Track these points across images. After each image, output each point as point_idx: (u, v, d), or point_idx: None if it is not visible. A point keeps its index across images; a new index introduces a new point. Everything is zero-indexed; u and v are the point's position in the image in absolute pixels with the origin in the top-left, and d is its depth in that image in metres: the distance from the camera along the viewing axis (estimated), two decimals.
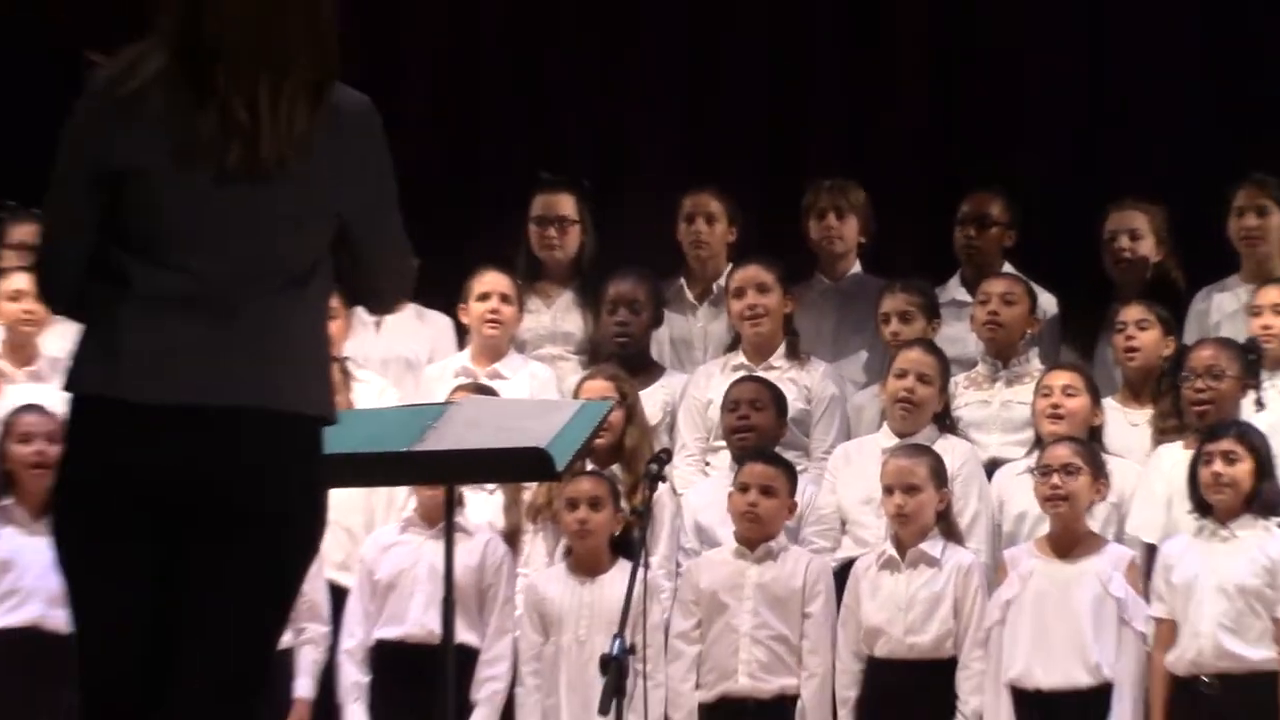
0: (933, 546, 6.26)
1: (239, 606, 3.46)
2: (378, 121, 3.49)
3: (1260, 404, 6.42)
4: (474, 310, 6.68)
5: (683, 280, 7.09)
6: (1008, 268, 7.05)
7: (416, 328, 7.11)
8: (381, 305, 3.68)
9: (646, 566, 5.64)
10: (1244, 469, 6.09)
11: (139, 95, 3.39)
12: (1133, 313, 6.59)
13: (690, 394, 6.72)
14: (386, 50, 8.91)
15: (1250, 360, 6.43)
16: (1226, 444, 6.10)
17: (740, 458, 6.47)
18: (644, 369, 6.86)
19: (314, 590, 6.24)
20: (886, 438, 6.50)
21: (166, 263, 3.40)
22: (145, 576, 3.50)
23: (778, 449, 6.65)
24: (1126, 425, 6.65)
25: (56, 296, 3.49)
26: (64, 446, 3.51)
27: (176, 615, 3.53)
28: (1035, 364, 6.77)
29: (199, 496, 3.45)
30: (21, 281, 6.96)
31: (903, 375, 6.53)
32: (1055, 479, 6.18)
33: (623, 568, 5.96)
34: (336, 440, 3.95)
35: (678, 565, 6.52)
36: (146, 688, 3.54)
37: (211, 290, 3.41)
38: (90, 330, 3.48)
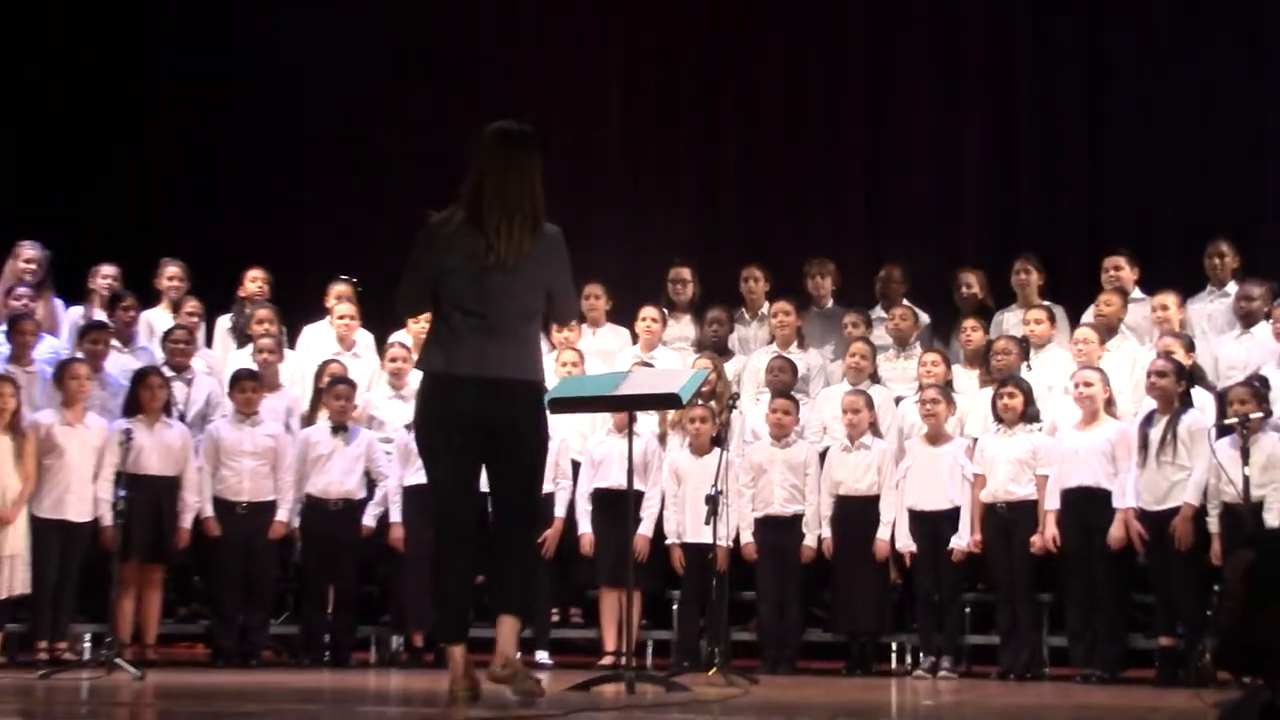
0: (869, 440, 8.91)
1: (521, 474, 5.60)
2: (563, 240, 5.55)
3: (1029, 367, 9.08)
4: (640, 327, 9.68)
5: (744, 309, 10.12)
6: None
7: (613, 335, 9.95)
8: (564, 325, 6.28)
9: (726, 450, 8.11)
10: (1019, 400, 8.63)
11: (451, 231, 5.44)
12: (971, 321, 9.36)
13: (750, 366, 9.66)
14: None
15: (1024, 346, 9.15)
16: (1009, 387, 8.66)
17: (775, 396, 9.13)
18: (725, 353, 9.74)
19: (563, 462, 8.94)
20: (846, 387, 9.17)
21: (468, 310, 5.50)
22: (466, 462, 5.59)
23: (792, 392, 9.20)
24: (966, 379, 9.36)
25: (406, 317, 6.24)
26: (420, 398, 5.62)
27: (491, 480, 5.58)
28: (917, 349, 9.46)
29: (494, 423, 5.49)
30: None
31: (853, 355, 9.19)
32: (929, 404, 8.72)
33: (716, 452, 8.39)
34: (575, 389, 6.80)
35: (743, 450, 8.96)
36: (469, 518, 5.62)
37: (490, 323, 5.49)
38: (432, 341, 5.56)
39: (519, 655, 5.81)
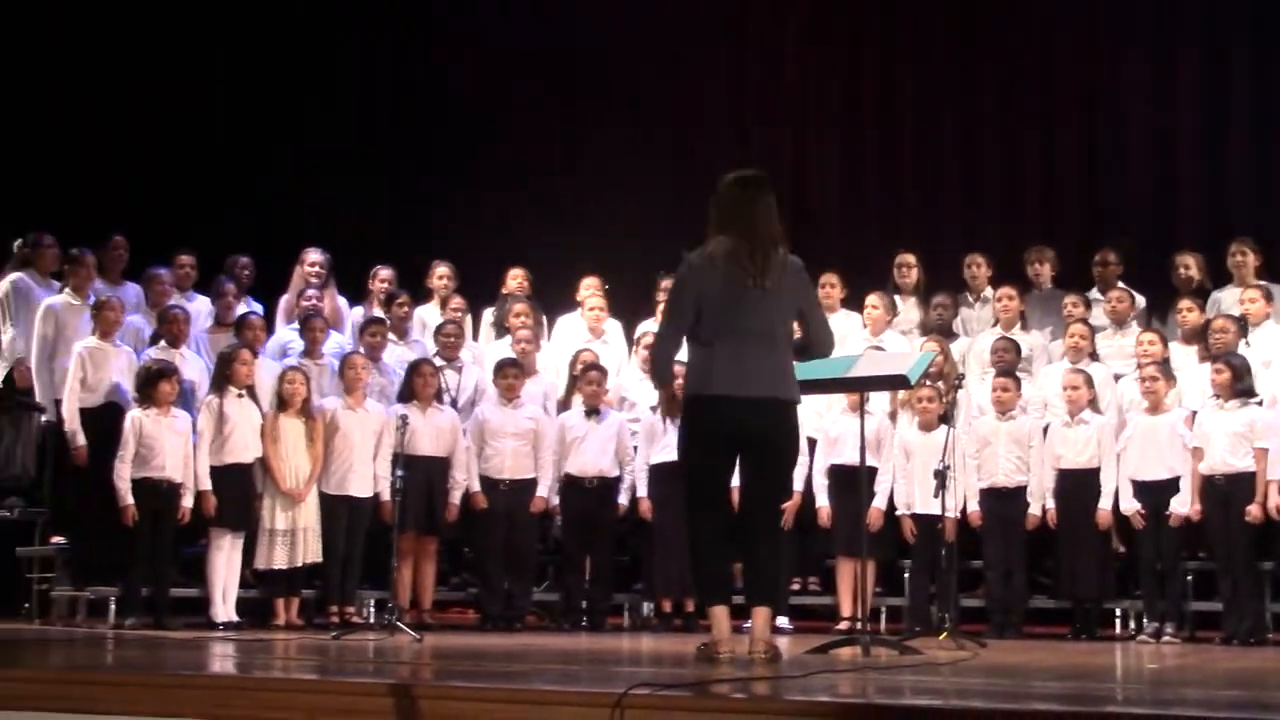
0: (1088, 415, 8.70)
1: (773, 483, 5.95)
2: (804, 269, 5.89)
3: (1247, 344, 8.76)
4: (868, 315, 9.69)
5: (968, 293, 9.98)
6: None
7: (846, 320, 9.80)
8: (822, 353, 6.07)
9: (953, 427, 8.09)
10: (1226, 376, 8.36)
11: (707, 264, 5.76)
12: (1187, 302, 9.15)
13: (975, 347, 9.56)
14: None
15: (1242, 324, 8.79)
16: (1219, 364, 8.45)
17: (998, 374, 9.00)
18: (950, 335, 9.65)
19: (800, 439, 8.08)
20: (1066, 365, 9.04)
21: (726, 334, 5.74)
22: (724, 470, 5.87)
23: (1016, 371, 9.08)
24: (1184, 356, 9.08)
25: (665, 355, 5.91)
26: (685, 416, 5.86)
27: (745, 484, 5.82)
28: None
29: (751, 439, 5.75)
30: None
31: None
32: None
33: (943, 429, 8.28)
34: (812, 372, 6.47)
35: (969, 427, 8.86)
36: (723, 506, 5.93)
37: (747, 346, 5.73)
38: (695, 364, 5.81)
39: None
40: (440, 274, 10.43)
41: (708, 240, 5.86)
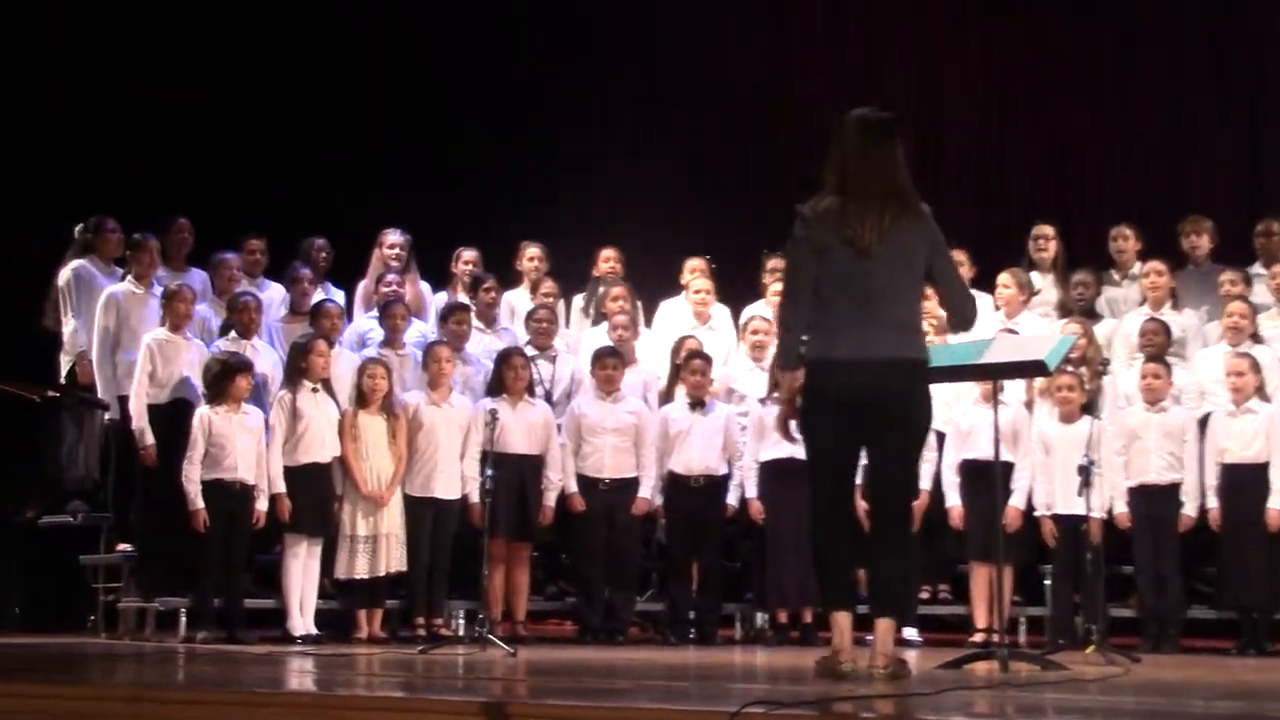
0: (1255, 404, 8.60)
1: (899, 456, 5.82)
2: (933, 219, 5.76)
3: None
4: (1000, 295, 9.59)
5: (1113, 270, 9.84)
6: None
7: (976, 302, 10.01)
8: (964, 326, 6.04)
9: (1098, 417, 8.29)
10: None
11: (823, 218, 5.71)
12: None
13: (1121, 329, 9.42)
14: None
15: None
16: None
17: (1148, 360, 8.90)
18: (1093, 316, 9.54)
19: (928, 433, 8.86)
20: (1224, 348, 8.95)
21: (846, 293, 5.68)
22: (846, 446, 5.80)
23: (1167, 356, 8.96)
24: None
25: (794, 322, 5.74)
26: (804, 383, 5.75)
27: (871, 465, 5.77)
28: None
29: (874, 405, 5.66)
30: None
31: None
32: None
33: (1086, 420, 8.55)
34: (938, 358, 6.48)
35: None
36: (847, 497, 5.88)
37: (868, 305, 5.66)
38: (813, 327, 5.74)
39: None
40: (530, 255, 10.48)
41: (824, 188, 5.83)
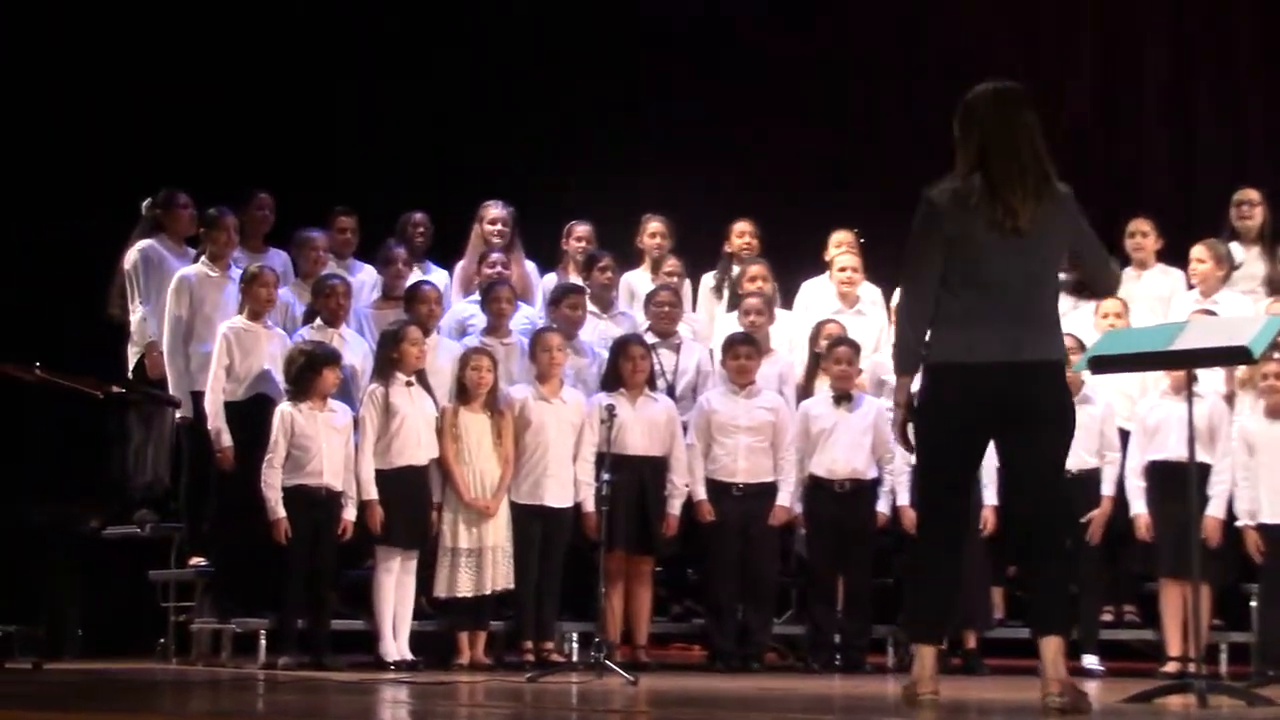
0: None
1: (1052, 468, 5.83)
2: (1074, 199, 5.83)
3: None
4: (1195, 271, 9.49)
5: None
6: None
7: (1163, 278, 9.76)
8: (1106, 295, 6.40)
9: None
10: None
11: (957, 201, 5.71)
12: None
13: None
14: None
15: None
16: None
17: None
18: None
19: (1109, 431, 8.92)
20: None
21: (985, 285, 5.69)
22: (971, 459, 5.89)
23: None
24: None
25: (913, 321, 5.82)
26: (930, 387, 5.81)
27: (1014, 477, 5.84)
28: None
29: (1020, 413, 5.69)
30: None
31: None
32: None
33: None
34: (1121, 344, 6.66)
35: None
36: (962, 517, 6.02)
37: (1012, 299, 5.68)
38: (943, 323, 5.74)
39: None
40: (652, 230, 10.45)
41: (955, 169, 5.86)
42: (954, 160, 5.87)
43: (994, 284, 5.75)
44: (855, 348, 9.39)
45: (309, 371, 8.62)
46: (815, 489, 9.28)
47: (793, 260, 10.50)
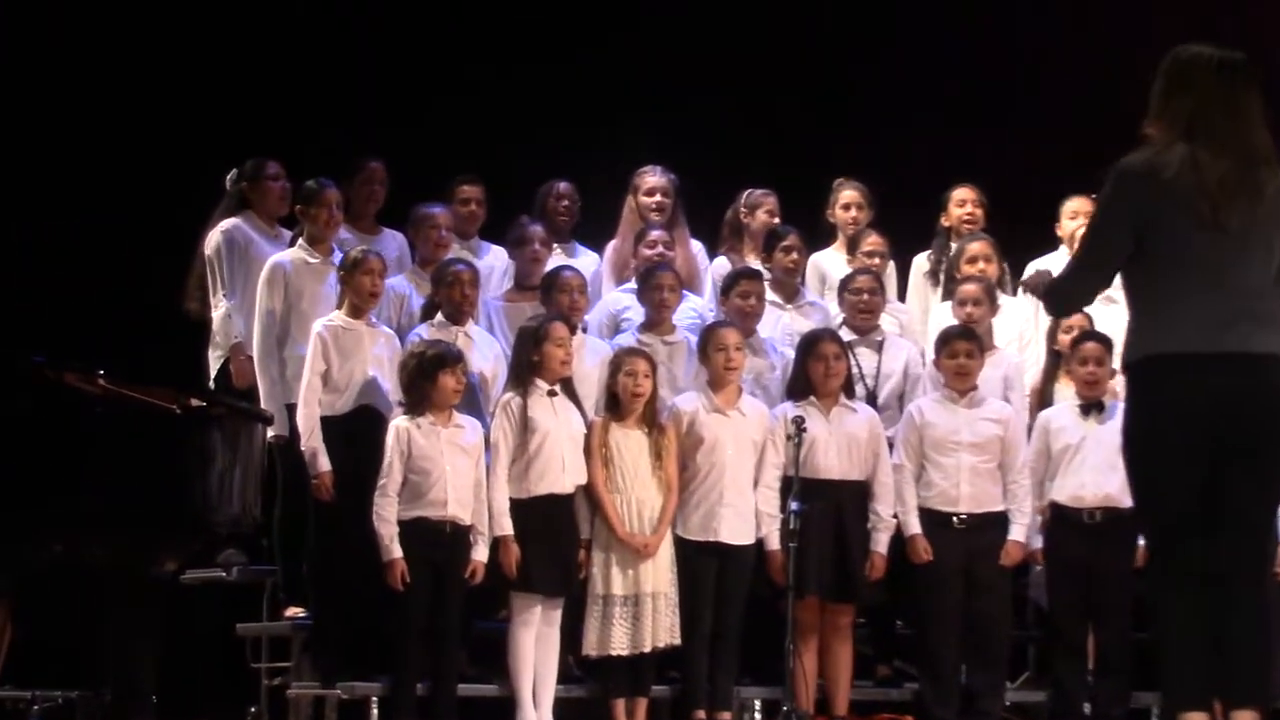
0: None
1: (1265, 491, 5.85)
2: None
3: None
4: None
5: None
6: None
7: None
8: None
9: None
10: None
11: (1157, 178, 5.81)
12: None
13: None
14: None
15: None
16: None
17: None
18: None
19: None
20: None
21: (1195, 276, 5.80)
22: (1199, 474, 5.82)
23: None
24: None
25: (1085, 288, 6.07)
26: (1137, 391, 5.92)
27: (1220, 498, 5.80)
28: None
29: (1242, 417, 5.75)
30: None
31: None
32: None
33: None
34: None
35: None
36: (1204, 549, 5.85)
37: (1228, 291, 5.79)
38: (1148, 314, 5.89)
39: None
40: (846, 199, 10.38)
41: (1151, 138, 5.97)
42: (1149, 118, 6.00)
43: (1203, 273, 5.85)
44: (1106, 344, 9.16)
45: (427, 378, 8.57)
46: (1057, 520, 9.14)
47: (1022, 235, 10.38)
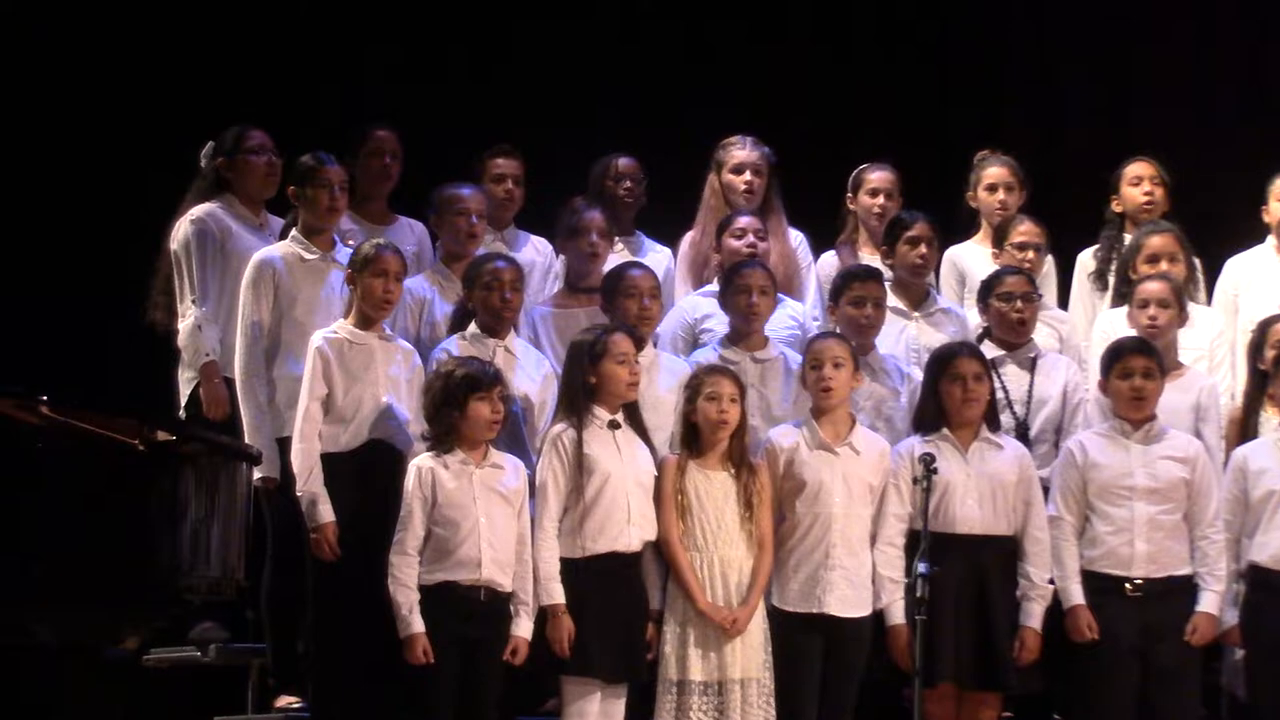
0: None
1: None
2: None
3: None
4: None
5: None
6: None
7: None
8: None
9: None
10: None
11: None
12: None
13: None
14: None
15: None
16: None
17: None
18: None
19: None
20: None
21: None
22: None
23: None
24: None
25: None
26: None
27: None
28: None
29: None
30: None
31: None
32: None
33: None
34: None
35: None
36: None
37: None
38: None
39: None
40: (992, 178, 10.33)
41: None
42: None
43: None
44: None
45: (450, 405, 8.36)
46: (1260, 588, 8.92)
47: (1216, 225, 10.31)
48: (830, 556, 8.73)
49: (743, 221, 9.75)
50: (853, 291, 9.33)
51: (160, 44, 11.38)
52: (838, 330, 9.24)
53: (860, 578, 8.77)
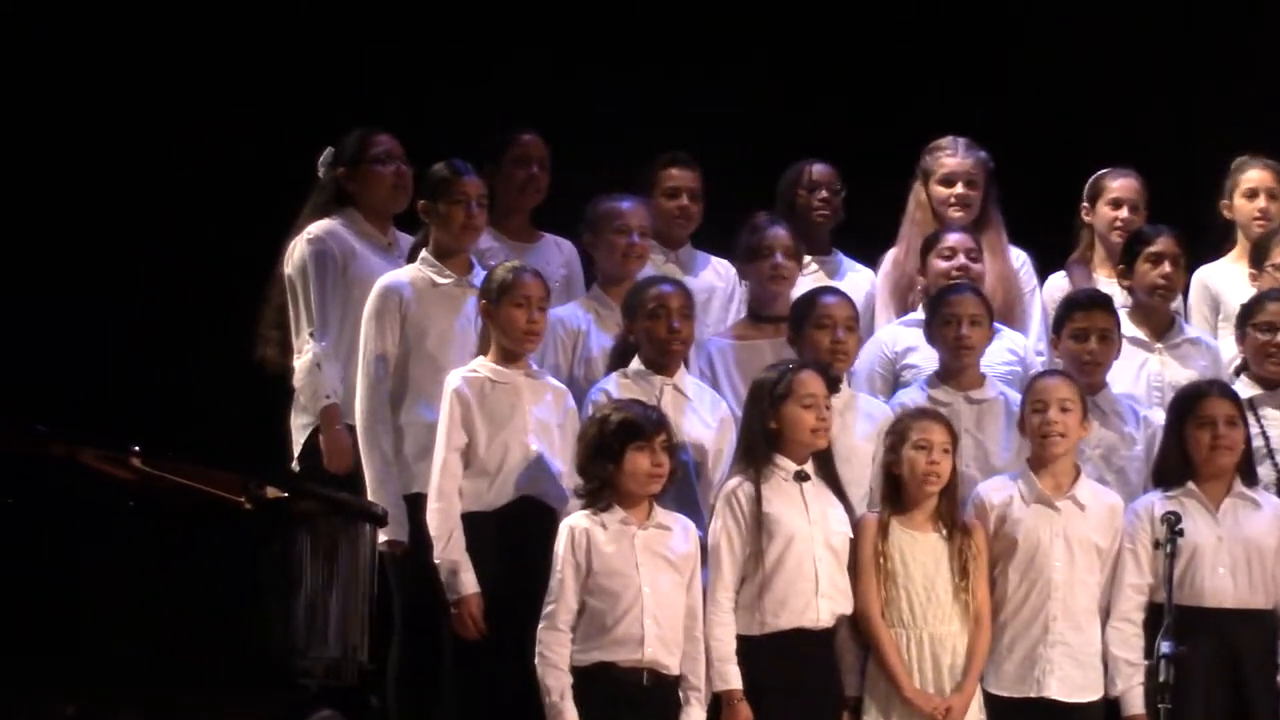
0: None
1: None
2: None
3: None
4: None
5: None
6: None
7: None
8: None
9: None
10: None
11: None
12: None
13: None
14: None
15: None
16: None
17: None
18: None
19: None
20: None
21: None
22: None
23: None
24: None
25: None
26: None
27: None
28: None
29: None
30: None
31: None
32: None
33: None
34: None
35: None
36: None
37: None
38: None
39: None
40: (1252, 183, 10.53)
41: None
42: None
43: None
44: None
45: (606, 456, 8.48)
46: None
47: None
48: (1050, 631, 8.82)
49: (952, 239, 9.79)
50: (1075, 323, 9.41)
51: (285, 39, 11.52)
52: (1064, 369, 9.25)
53: (1087, 656, 8.85)
